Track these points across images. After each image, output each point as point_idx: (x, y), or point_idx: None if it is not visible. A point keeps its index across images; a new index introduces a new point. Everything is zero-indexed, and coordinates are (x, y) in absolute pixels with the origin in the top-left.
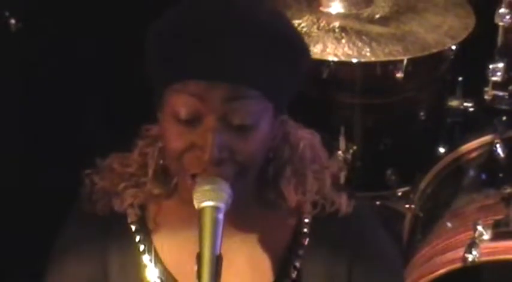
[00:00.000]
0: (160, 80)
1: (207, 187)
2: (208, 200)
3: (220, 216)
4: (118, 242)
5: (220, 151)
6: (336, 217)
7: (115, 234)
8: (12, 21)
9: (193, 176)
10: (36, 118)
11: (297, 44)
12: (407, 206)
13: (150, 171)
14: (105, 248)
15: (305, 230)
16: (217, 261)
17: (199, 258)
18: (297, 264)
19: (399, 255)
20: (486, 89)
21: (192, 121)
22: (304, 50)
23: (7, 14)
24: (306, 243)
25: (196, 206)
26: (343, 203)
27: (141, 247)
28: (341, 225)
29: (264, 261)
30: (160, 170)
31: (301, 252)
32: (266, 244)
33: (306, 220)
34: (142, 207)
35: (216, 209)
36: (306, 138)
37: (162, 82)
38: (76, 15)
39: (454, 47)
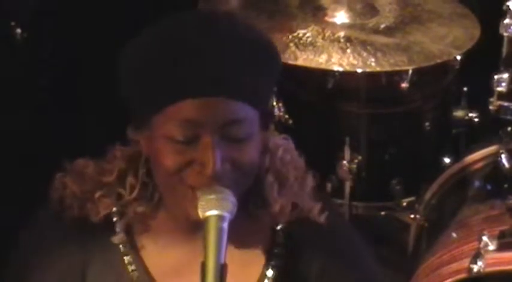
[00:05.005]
0: (147, 106)
1: (212, 196)
2: (213, 208)
3: (225, 225)
4: (101, 255)
5: (222, 164)
6: (310, 225)
7: (97, 246)
8: (18, 30)
9: (193, 189)
10: (41, 126)
11: (275, 54)
12: (412, 216)
13: (131, 189)
14: (85, 259)
15: (280, 237)
16: (221, 270)
17: (203, 266)
18: (272, 273)
19: (374, 265)
20: (491, 99)
21: (189, 140)
22: (279, 58)
23: (13, 23)
24: (280, 251)
25: (200, 215)
26: (316, 211)
27: (127, 259)
28: (315, 233)
29: (243, 269)
30: (142, 189)
31: (275, 261)
32: (245, 252)
33: (282, 227)
34: (128, 226)
35: (221, 217)
36: (283, 143)
37: (150, 108)
38: (80, 25)
39: (459, 58)
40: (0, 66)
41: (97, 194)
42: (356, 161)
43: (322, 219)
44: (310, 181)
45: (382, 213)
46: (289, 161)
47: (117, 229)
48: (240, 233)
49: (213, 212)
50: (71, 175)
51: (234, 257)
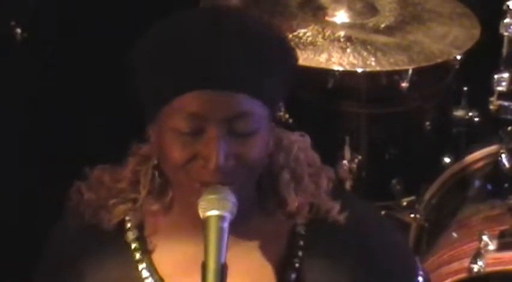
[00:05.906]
0: (155, 99)
1: (212, 196)
2: (214, 209)
3: (226, 225)
4: (114, 259)
5: (226, 159)
6: (329, 225)
7: (109, 251)
8: (18, 30)
9: (202, 184)
10: (41, 127)
11: (285, 48)
12: (412, 216)
13: (144, 190)
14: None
15: (300, 239)
16: (222, 270)
17: (204, 267)
18: (293, 275)
19: (409, 258)
20: (491, 99)
21: (195, 132)
22: (293, 53)
23: (13, 23)
24: (301, 253)
25: (201, 215)
26: (335, 210)
27: (140, 265)
28: (338, 231)
29: (262, 271)
30: (154, 187)
31: (296, 262)
32: (264, 254)
33: (300, 228)
34: (139, 226)
35: (221, 218)
36: (298, 140)
37: (158, 101)
38: (81, 25)
39: (459, 57)
40: (0, 66)
41: (111, 202)
42: (356, 160)
43: (342, 218)
44: (324, 178)
45: (382, 212)
46: (302, 160)
47: (129, 227)
48: (259, 233)
49: (214, 212)
50: (87, 183)
51: (253, 258)
